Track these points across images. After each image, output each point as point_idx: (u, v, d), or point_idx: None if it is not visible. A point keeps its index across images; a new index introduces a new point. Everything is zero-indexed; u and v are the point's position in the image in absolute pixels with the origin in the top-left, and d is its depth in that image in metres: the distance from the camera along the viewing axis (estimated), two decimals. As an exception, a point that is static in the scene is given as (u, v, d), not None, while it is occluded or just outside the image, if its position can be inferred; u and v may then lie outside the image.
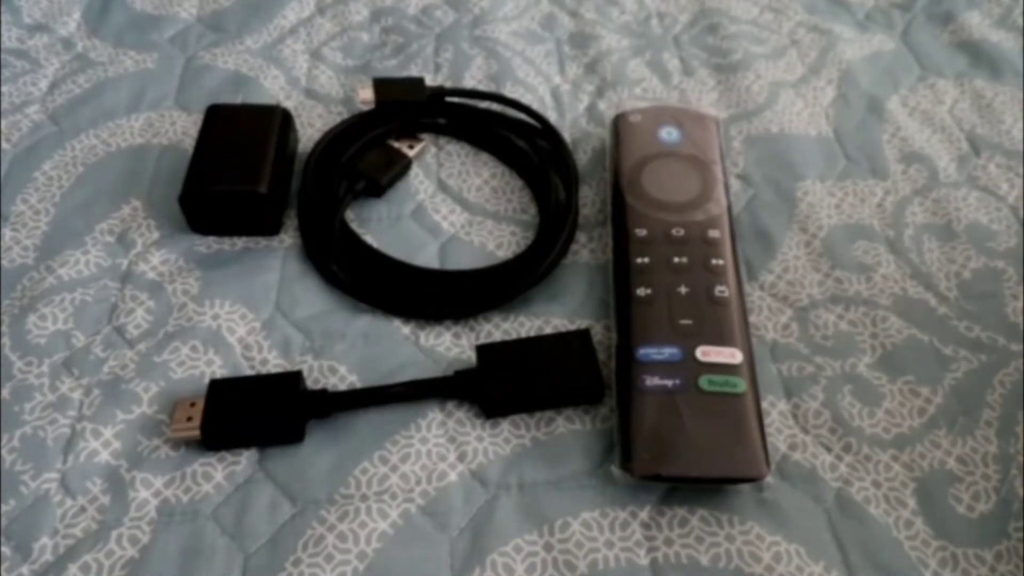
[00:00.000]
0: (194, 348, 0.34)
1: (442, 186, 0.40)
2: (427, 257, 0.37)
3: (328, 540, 0.29)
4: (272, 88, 0.45)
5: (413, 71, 0.46)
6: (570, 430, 0.32)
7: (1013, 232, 0.39)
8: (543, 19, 0.50)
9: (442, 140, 0.43)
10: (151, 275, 0.36)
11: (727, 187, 0.37)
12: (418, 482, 0.30)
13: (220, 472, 0.30)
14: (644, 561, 0.29)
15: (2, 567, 0.28)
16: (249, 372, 0.33)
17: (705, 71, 0.47)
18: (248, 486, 0.30)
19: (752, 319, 0.35)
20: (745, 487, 0.30)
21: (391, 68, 0.46)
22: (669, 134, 0.39)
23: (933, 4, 0.52)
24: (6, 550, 0.28)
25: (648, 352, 0.31)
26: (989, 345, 0.35)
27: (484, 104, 0.43)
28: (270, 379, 0.32)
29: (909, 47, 0.49)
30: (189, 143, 0.42)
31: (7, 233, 0.37)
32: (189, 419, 0.30)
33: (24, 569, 0.28)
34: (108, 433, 0.31)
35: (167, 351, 0.33)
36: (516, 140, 0.42)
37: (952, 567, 0.29)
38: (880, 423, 0.32)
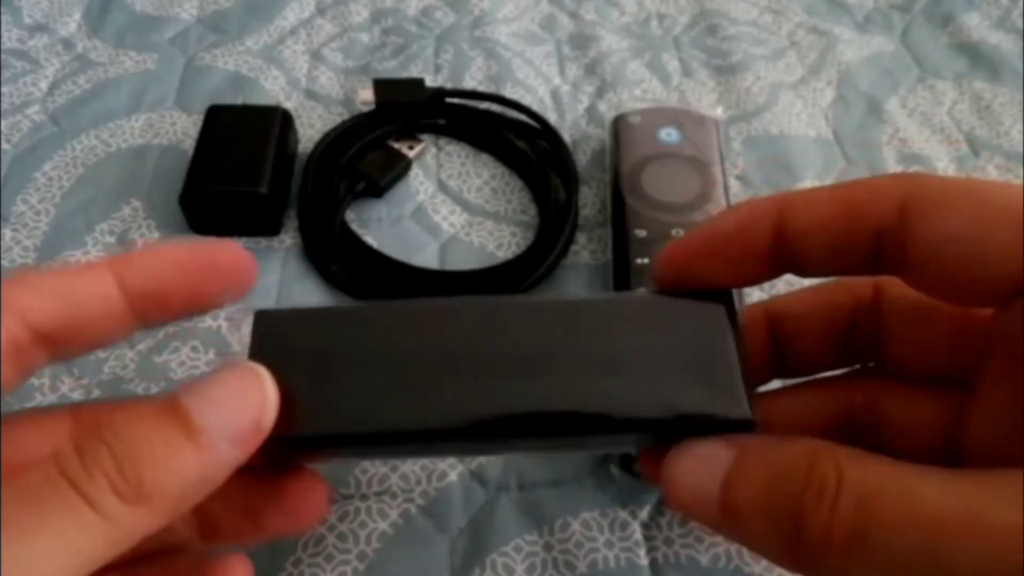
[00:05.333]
0: (194, 348, 0.34)
1: (442, 187, 0.41)
2: (427, 257, 0.37)
3: (328, 540, 0.29)
4: (272, 89, 0.45)
5: (413, 72, 0.46)
6: (570, 430, 0.32)
7: (1012, 233, 0.39)
8: (543, 20, 0.50)
9: (442, 141, 0.43)
10: (151, 275, 0.36)
11: (727, 188, 0.37)
12: (418, 482, 0.30)
13: (220, 472, 0.30)
14: (644, 561, 0.29)
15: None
16: (249, 372, 0.33)
17: (705, 72, 0.47)
18: (248, 486, 0.30)
19: (752, 320, 0.35)
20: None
21: (391, 69, 0.46)
22: (669, 135, 0.39)
23: (932, 6, 0.52)
24: (6, 550, 0.28)
25: (648, 352, 0.31)
26: (988, 346, 0.35)
27: (484, 105, 0.43)
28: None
29: (908, 48, 0.49)
30: (189, 143, 0.42)
31: (7, 233, 0.37)
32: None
33: (24, 569, 0.28)
34: (108, 433, 0.31)
35: (167, 351, 0.33)
36: (516, 141, 0.42)
37: (951, 567, 0.29)
38: (880, 423, 0.32)
